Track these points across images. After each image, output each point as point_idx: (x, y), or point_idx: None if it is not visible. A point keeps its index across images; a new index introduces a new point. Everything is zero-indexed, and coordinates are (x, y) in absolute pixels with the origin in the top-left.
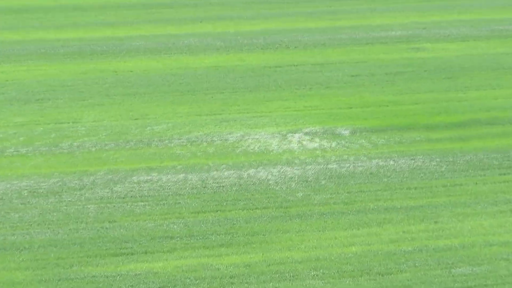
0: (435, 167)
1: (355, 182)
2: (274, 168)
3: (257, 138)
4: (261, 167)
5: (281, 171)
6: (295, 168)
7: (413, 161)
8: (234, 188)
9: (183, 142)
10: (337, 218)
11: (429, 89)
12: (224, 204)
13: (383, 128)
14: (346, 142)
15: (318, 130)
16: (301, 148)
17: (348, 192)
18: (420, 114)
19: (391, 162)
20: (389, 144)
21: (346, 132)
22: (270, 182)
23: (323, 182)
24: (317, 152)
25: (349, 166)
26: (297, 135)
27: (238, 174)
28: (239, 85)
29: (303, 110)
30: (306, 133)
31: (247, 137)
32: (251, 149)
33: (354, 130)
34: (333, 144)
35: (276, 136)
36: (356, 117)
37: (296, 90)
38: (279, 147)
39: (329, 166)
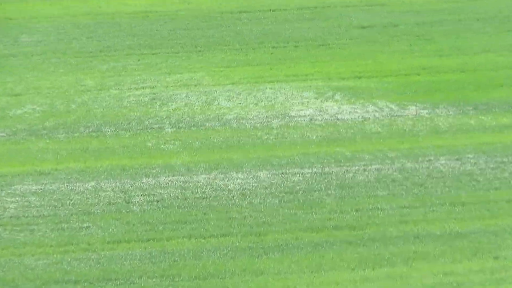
0: (493, 172)
1: (367, 191)
2: (238, 172)
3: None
4: (217, 171)
5: (251, 172)
6: (272, 170)
7: (458, 162)
8: (175, 203)
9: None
10: (339, 251)
11: (483, 48)
12: (160, 229)
13: (412, 108)
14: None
15: (309, 113)
16: (284, 139)
17: (356, 209)
18: (469, 87)
19: (425, 164)
20: (421, 134)
21: (352, 117)
22: (233, 193)
23: (315, 193)
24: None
25: (358, 169)
26: (276, 121)
27: (183, 181)
28: (184, 40)
29: (284, 81)
30: (292, 116)
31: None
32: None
33: (364, 112)
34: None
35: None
36: (367, 93)
37: (273, 49)
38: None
39: (327, 169)
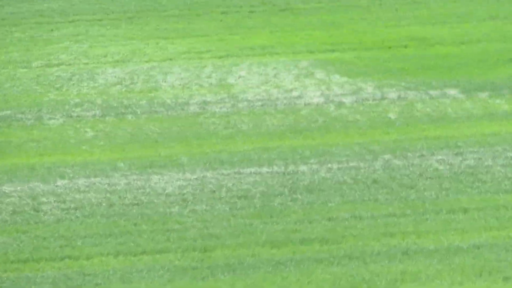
0: (503, 171)
1: (342, 196)
2: (178, 171)
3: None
4: (152, 170)
5: (195, 172)
6: (221, 170)
7: (459, 158)
8: (98, 212)
9: None
10: (307, 271)
11: (489, 13)
12: (79, 244)
13: (397, 89)
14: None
15: (269, 96)
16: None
17: (329, 218)
18: (471, 63)
19: (416, 160)
20: (410, 122)
21: (323, 102)
22: (172, 198)
23: (277, 198)
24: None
25: (331, 167)
26: (227, 106)
27: (108, 184)
28: (109, 5)
29: (236, 56)
30: (243, 100)
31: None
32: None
33: (339, 95)
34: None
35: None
36: (342, 70)
37: (223, 15)
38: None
39: (291, 167)
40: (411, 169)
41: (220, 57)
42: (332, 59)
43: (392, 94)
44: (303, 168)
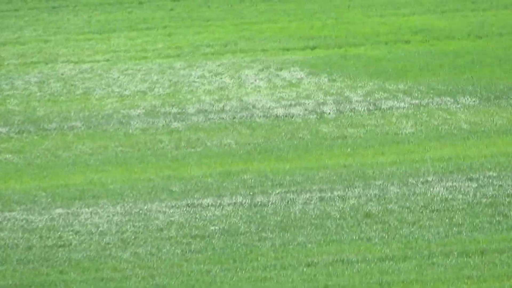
0: None
1: (325, 234)
2: (116, 203)
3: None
4: (82, 202)
5: (136, 204)
6: (170, 201)
7: (473, 184)
8: (14, 256)
9: None
10: None
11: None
12: None
13: (394, 96)
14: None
15: (230, 107)
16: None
17: (308, 264)
18: (490, 61)
19: (420, 187)
20: (413, 139)
21: (301, 113)
22: (108, 237)
23: (242, 238)
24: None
25: (310, 198)
26: (177, 119)
27: (25, 220)
28: None
29: (190, 54)
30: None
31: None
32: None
33: (321, 105)
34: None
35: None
36: (326, 72)
37: (174, 2)
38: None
39: (260, 197)
40: (412, 199)
41: (168, 57)
42: (312, 58)
43: (389, 103)
44: (274, 198)
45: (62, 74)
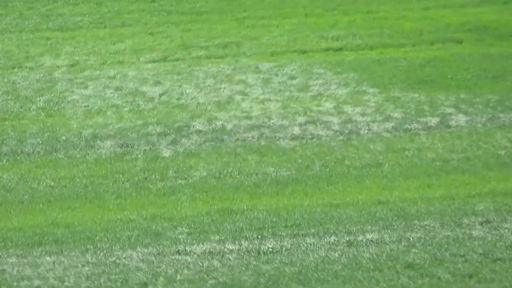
0: None
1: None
2: (77, 255)
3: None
4: (45, 249)
5: (106, 254)
6: (148, 248)
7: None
8: None
9: None
10: None
11: None
12: None
13: (441, 111)
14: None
15: (213, 127)
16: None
17: None
18: None
19: (477, 229)
20: (466, 165)
21: (322, 133)
22: None
23: None
24: None
25: (331, 243)
26: (164, 141)
27: None
28: None
29: (181, 60)
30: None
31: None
32: None
33: (344, 121)
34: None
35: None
36: (352, 80)
37: None
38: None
39: (272, 243)
40: (468, 244)
41: (151, 62)
42: (337, 63)
43: (436, 121)
44: (289, 243)
45: (13, 84)
